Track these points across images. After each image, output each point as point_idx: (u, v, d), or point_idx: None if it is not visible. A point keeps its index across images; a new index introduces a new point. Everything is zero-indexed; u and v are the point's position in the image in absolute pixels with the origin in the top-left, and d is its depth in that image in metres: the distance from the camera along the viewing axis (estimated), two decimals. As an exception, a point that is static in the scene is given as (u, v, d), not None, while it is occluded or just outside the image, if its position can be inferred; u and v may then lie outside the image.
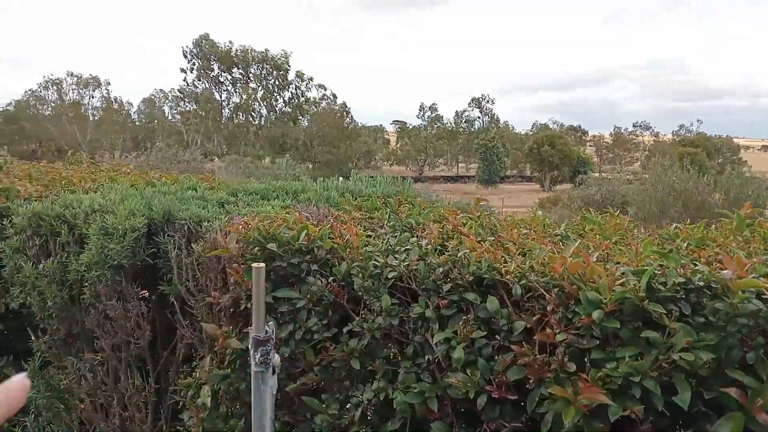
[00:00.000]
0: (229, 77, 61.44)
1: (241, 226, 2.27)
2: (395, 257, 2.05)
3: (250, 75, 60.97)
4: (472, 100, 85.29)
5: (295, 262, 2.15)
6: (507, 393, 1.79)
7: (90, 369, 2.67)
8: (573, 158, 72.23)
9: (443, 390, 1.91)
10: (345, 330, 2.07)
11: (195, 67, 60.62)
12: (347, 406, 2.05)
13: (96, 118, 62.79)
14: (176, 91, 62.85)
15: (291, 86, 62.14)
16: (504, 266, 1.89)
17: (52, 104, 60.97)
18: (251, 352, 1.86)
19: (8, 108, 61.99)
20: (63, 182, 3.47)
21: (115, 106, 64.11)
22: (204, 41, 59.98)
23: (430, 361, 1.94)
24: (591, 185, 52.99)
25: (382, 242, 2.14)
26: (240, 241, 2.22)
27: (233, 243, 2.22)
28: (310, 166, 59.40)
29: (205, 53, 59.48)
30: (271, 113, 62.68)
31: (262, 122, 62.50)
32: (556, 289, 1.76)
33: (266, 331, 1.85)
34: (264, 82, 61.38)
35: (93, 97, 61.87)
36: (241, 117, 61.47)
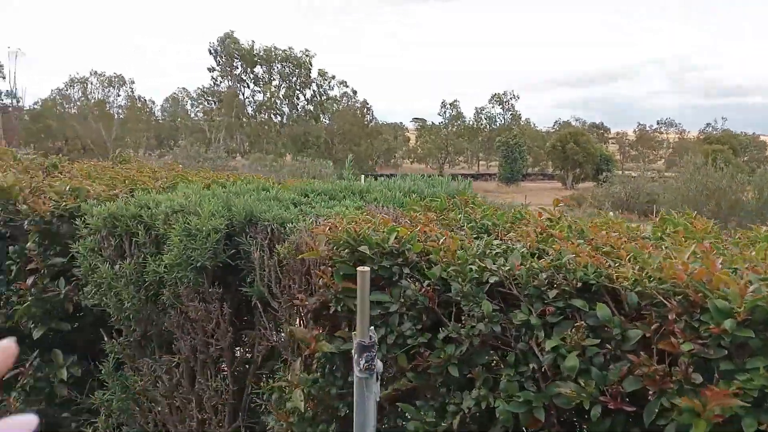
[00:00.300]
0: (252, 75, 61.79)
1: (328, 228, 2.23)
2: (493, 261, 1.99)
3: (273, 73, 61.24)
4: (493, 96, 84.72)
5: (387, 265, 2.11)
6: (623, 404, 1.72)
7: (166, 370, 2.65)
8: (597, 156, 71.34)
9: (549, 399, 1.85)
10: (441, 336, 2.02)
11: (219, 65, 61.04)
12: (444, 414, 2.00)
13: (120, 116, 63.62)
14: (200, 90, 63.34)
15: (313, 84, 62.28)
16: (616, 272, 1.82)
17: (78, 103, 61.90)
18: (354, 358, 1.81)
19: (35, 107, 63.17)
20: (125, 181, 3.46)
21: (139, 104, 64.89)
22: (228, 39, 60.35)
23: (535, 369, 1.88)
24: (615, 183, 52.07)
25: (476, 246, 2.08)
26: (328, 243, 2.18)
27: (322, 245, 2.18)
28: (331, 163, 59.61)
29: (230, 51, 59.84)
30: (293, 111, 62.93)
31: (284, 120, 62.77)
32: (679, 297, 1.68)
33: (370, 336, 1.81)
34: (287, 81, 61.64)
35: (119, 96, 62.71)
36: (264, 115, 61.81)
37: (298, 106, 63.49)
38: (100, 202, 2.86)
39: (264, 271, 2.41)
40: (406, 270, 2.11)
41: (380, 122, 78.46)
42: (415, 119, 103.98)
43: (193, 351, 2.56)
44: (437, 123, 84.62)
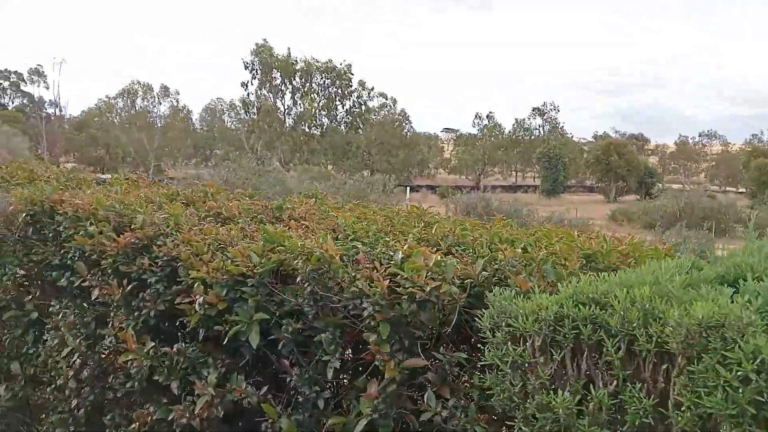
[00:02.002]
0: (290, 86, 61.44)
1: None
2: None
3: (313, 84, 60.89)
4: (533, 109, 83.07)
5: None
6: None
7: None
8: (640, 168, 69.30)
9: None
10: None
11: (256, 76, 60.69)
12: None
13: (161, 125, 63.86)
14: (237, 101, 63.33)
15: (353, 95, 61.77)
16: None
17: (124, 113, 62.35)
18: None
19: (75, 116, 63.98)
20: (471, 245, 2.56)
21: (182, 115, 65.16)
22: (262, 49, 60.06)
23: None
24: (668, 197, 50.35)
25: None
26: None
27: None
28: (366, 173, 58.78)
29: (268, 63, 59.52)
30: (333, 122, 62.52)
31: (324, 130, 62.38)
32: None
33: None
34: (326, 92, 61.25)
35: (161, 104, 62.99)
36: (304, 126, 61.47)
37: (338, 117, 63.05)
38: (520, 293, 1.98)
39: None
40: None
41: (417, 132, 77.70)
42: (447, 129, 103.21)
43: None
44: (470, 134, 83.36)
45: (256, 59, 58.64)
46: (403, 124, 74.00)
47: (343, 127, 63.00)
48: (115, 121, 62.25)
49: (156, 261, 2.82)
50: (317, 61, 59.47)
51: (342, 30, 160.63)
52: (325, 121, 62.65)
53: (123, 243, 2.87)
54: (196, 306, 2.54)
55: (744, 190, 71.11)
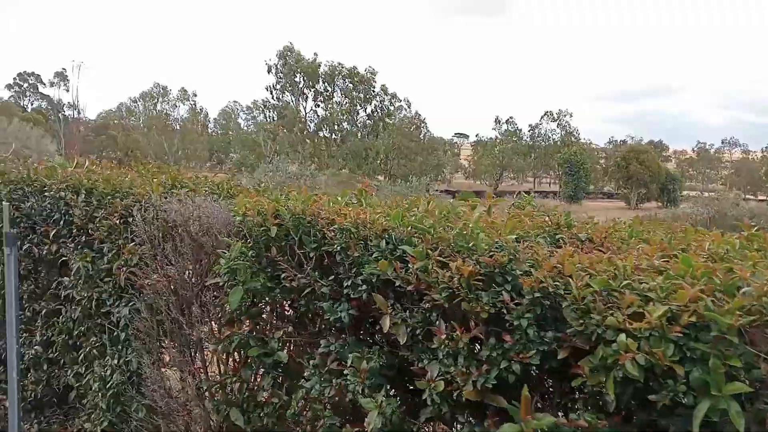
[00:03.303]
0: (312, 91, 60.86)
1: None
2: None
3: (336, 89, 60.31)
4: (546, 113, 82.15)
5: None
6: None
7: None
8: (661, 175, 68.20)
9: None
10: None
11: (279, 80, 60.15)
12: None
13: (179, 127, 63.35)
14: (259, 104, 62.76)
15: (375, 100, 61.13)
16: None
17: (143, 116, 61.89)
18: None
19: (94, 120, 63.50)
20: None
21: (201, 117, 64.67)
22: (288, 53, 59.56)
23: None
24: (697, 203, 49.55)
25: None
26: None
27: None
28: (381, 178, 57.82)
29: (291, 66, 59.00)
30: (353, 127, 61.93)
31: (343, 135, 61.80)
32: None
33: None
34: (349, 96, 60.67)
35: (177, 107, 62.45)
36: (325, 131, 60.88)
37: (358, 122, 62.45)
38: None
39: None
40: None
41: (434, 136, 76.81)
42: (459, 134, 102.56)
43: None
44: (490, 138, 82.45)
45: (280, 62, 58.11)
46: (420, 128, 73.29)
47: (361, 133, 62.37)
48: (133, 123, 61.77)
49: (518, 296, 2.10)
50: (341, 66, 58.88)
51: (342, 30, 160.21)
52: (346, 126, 62.03)
53: (467, 272, 2.15)
54: (627, 365, 1.82)
55: (765, 197, 70.08)
